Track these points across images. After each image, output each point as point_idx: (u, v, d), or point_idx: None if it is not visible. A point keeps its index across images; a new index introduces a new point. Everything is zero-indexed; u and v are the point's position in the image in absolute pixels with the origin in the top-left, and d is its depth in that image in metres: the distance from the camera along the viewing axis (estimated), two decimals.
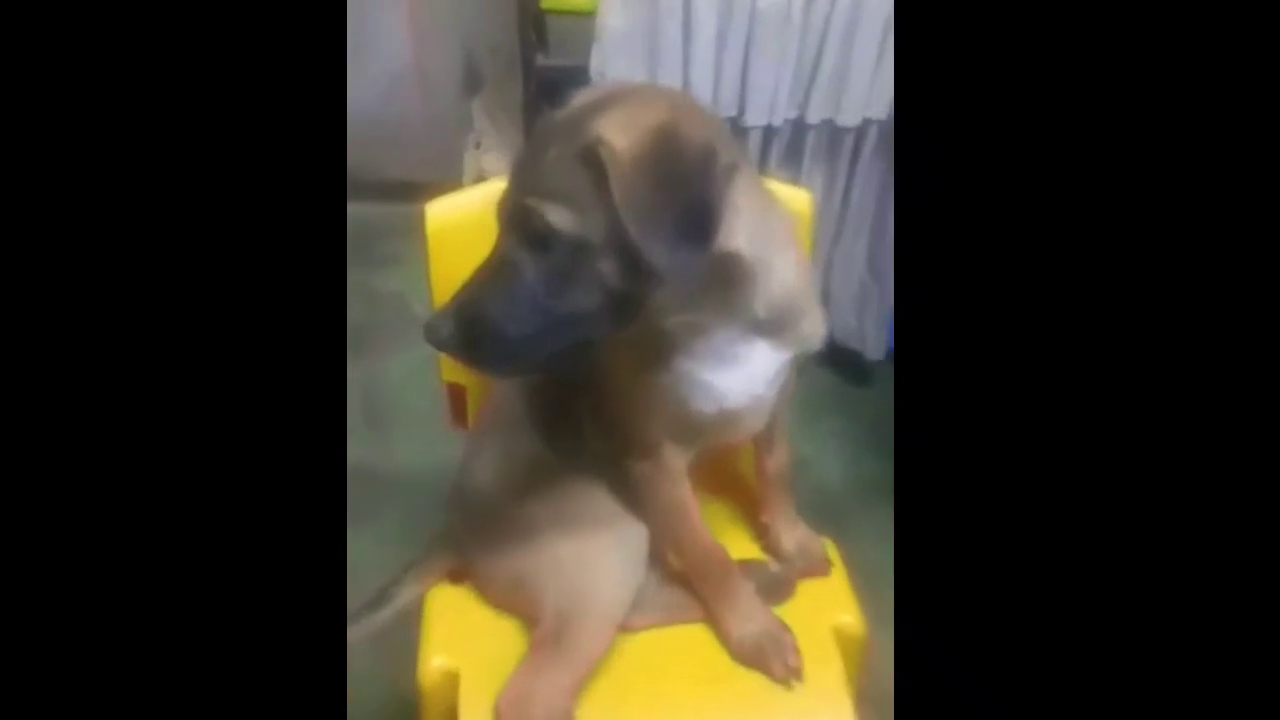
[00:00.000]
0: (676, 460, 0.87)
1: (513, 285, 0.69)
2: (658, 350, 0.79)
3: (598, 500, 0.91)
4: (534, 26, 1.71)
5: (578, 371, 0.87)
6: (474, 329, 0.70)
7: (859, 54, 1.59)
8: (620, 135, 0.65)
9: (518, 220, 0.69)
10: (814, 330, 0.85)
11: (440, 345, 0.70)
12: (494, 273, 0.70)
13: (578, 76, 1.51)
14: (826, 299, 1.99)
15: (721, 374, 0.81)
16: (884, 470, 1.79)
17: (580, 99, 0.72)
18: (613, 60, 1.54)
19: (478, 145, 1.94)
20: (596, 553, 0.89)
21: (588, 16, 1.56)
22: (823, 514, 1.74)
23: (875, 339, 1.95)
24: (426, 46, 2.28)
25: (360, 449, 1.66)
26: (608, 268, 0.68)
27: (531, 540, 0.90)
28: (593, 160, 0.65)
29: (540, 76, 1.72)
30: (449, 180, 2.22)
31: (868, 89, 1.61)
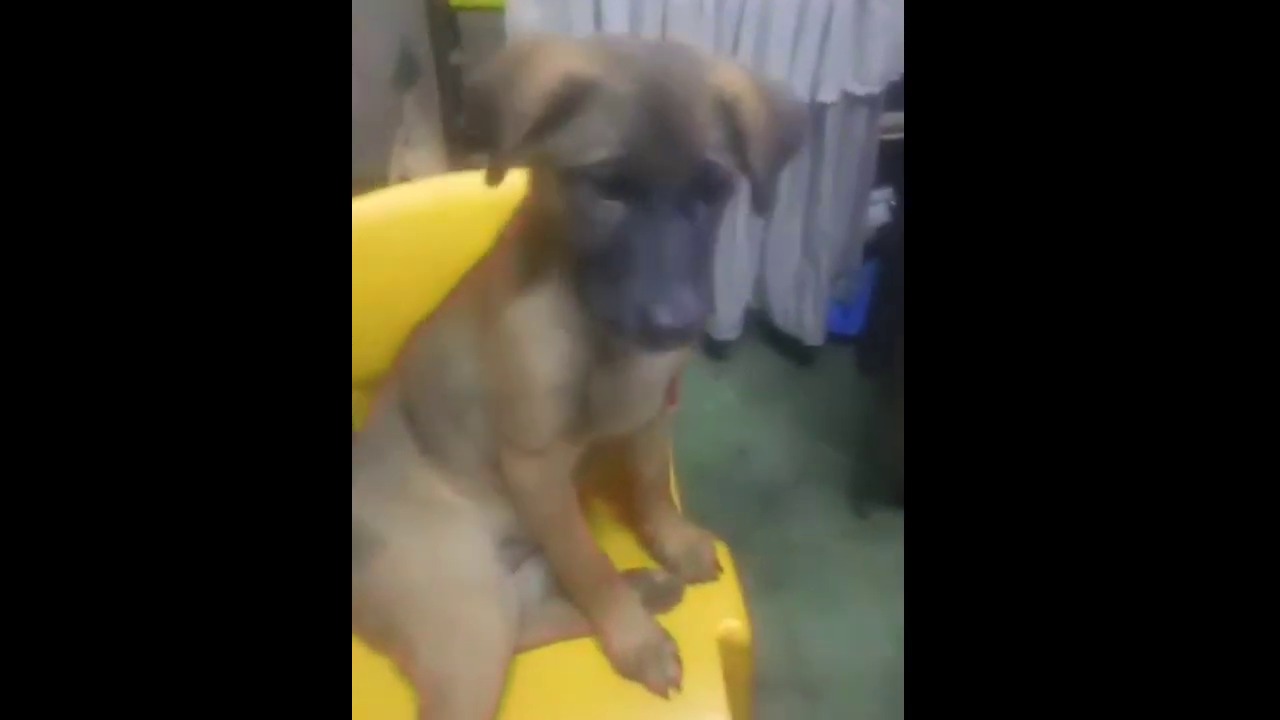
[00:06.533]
0: (563, 462, 0.86)
1: (706, 242, 0.72)
2: (558, 318, 0.78)
3: (470, 535, 0.90)
4: (446, 23, 1.69)
5: (461, 373, 0.86)
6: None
7: (775, 43, 1.57)
8: (744, 89, 0.71)
9: (695, 177, 0.69)
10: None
11: (690, 336, 0.69)
12: (681, 232, 0.69)
13: None
14: (763, 284, 1.98)
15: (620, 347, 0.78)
16: (825, 454, 1.83)
17: (651, 53, 0.71)
18: None
19: (406, 141, 1.92)
20: (469, 616, 0.87)
21: (497, 13, 1.54)
22: (766, 501, 1.75)
23: (814, 324, 1.94)
24: (359, 37, 2.23)
25: None
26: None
27: (400, 583, 0.88)
28: (730, 113, 0.70)
29: (455, 75, 1.69)
30: (378, 175, 2.21)
31: (786, 75, 1.60)
